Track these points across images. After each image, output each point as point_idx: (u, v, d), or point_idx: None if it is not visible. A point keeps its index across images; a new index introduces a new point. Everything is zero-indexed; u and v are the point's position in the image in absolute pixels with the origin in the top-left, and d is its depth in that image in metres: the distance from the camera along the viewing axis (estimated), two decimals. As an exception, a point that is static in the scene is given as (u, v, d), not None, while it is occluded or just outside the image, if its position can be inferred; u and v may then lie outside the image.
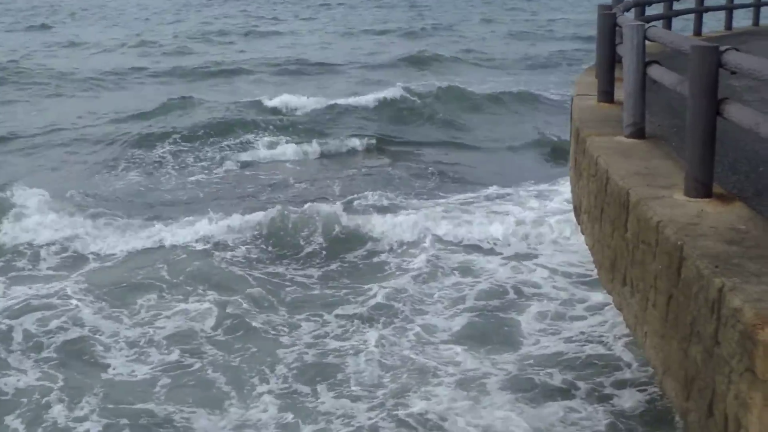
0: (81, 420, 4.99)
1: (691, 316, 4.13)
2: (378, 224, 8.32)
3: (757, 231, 4.47)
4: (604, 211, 5.99)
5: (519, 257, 7.50)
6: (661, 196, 5.12)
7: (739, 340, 3.55)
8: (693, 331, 4.10)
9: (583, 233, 7.21)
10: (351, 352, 5.79)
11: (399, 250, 7.80)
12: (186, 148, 12.19)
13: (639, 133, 6.56)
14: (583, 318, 6.22)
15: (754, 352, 3.41)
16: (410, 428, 4.74)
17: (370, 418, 4.89)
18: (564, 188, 9.19)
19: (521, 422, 4.79)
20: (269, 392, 5.26)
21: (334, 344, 5.90)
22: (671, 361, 4.49)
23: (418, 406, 5.01)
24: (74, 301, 6.69)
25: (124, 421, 4.96)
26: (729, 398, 3.65)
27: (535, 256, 7.47)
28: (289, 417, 4.97)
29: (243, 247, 7.93)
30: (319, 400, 5.16)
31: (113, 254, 7.88)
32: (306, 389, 5.30)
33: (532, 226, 8.10)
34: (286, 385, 5.36)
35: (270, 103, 14.96)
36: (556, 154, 11.99)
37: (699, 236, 4.40)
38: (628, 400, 5.00)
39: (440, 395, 5.12)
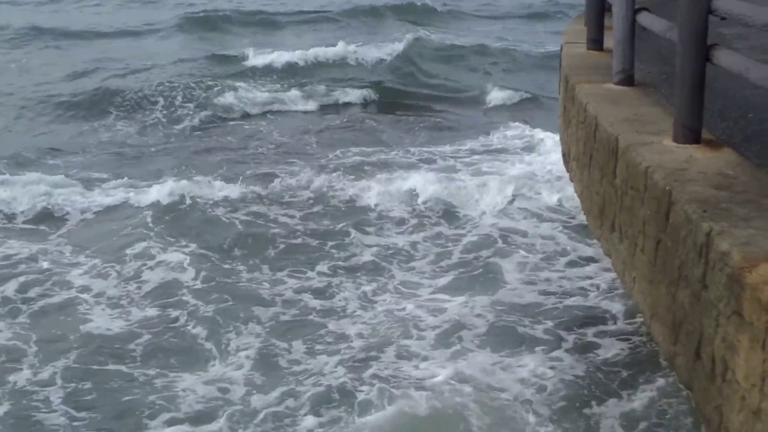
0: (46, 385, 4.81)
1: (679, 260, 4.10)
2: (363, 178, 8.23)
3: (745, 176, 4.44)
4: (593, 158, 5.93)
5: (504, 206, 7.44)
6: (650, 142, 5.06)
7: (726, 284, 3.53)
8: (681, 275, 4.08)
9: (571, 180, 7.17)
10: (333, 307, 5.72)
11: (384, 204, 7.71)
12: (168, 101, 11.94)
13: (628, 80, 6.49)
14: (568, 267, 6.19)
15: (741, 295, 3.39)
16: (387, 385, 4.64)
17: (337, 377, 4.76)
18: (549, 136, 9.13)
19: (504, 374, 4.75)
20: (245, 349, 5.14)
21: (315, 302, 5.79)
22: (659, 306, 4.48)
23: (396, 361, 4.93)
24: (54, 257, 6.58)
25: (87, 385, 4.80)
26: (716, 341, 3.65)
27: (522, 205, 7.41)
28: (261, 377, 4.84)
29: (226, 203, 7.78)
30: (292, 357, 5.06)
31: (95, 209, 7.74)
32: (283, 344, 5.21)
33: (519, 175, 8.04)
34: (262, 341, 5.25)
35: (252, 54, 14.67)
36: (545, 103, 11.90)
37: (687, 181, 4.36)
38: (612, 348, 5.00)
39: (420, 350, 5.05)
